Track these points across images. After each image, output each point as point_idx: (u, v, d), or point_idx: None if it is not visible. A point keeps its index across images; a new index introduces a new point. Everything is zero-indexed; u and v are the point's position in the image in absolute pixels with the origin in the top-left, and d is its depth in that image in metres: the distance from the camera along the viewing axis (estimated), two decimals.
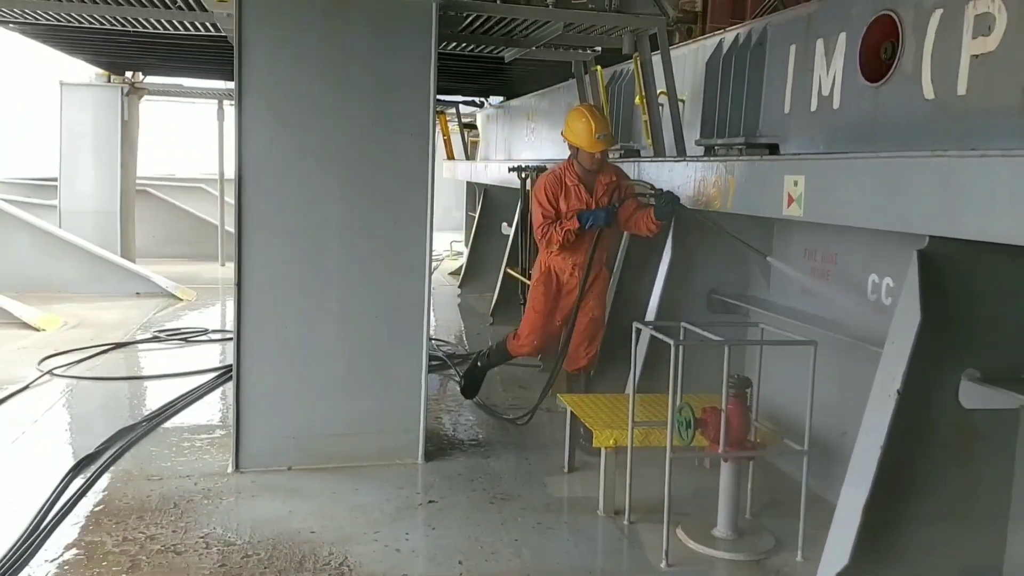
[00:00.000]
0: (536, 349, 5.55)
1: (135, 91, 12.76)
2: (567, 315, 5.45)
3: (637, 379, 4.77)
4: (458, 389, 6.43)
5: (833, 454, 4.22)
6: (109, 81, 12.52)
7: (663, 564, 3.78)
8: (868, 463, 3.19)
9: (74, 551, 3.77)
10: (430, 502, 4.47)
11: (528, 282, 7.91)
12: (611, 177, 5.26)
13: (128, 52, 9.46)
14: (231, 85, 4.64)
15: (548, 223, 5.11)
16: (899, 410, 3.15)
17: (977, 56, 3.50)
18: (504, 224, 10.67)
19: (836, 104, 4.39)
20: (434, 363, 7.22)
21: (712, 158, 4.89)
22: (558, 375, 5.48)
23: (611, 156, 6.93)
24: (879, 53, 4.10)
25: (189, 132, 21.42)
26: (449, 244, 16.48)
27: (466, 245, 13.41)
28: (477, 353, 5.99)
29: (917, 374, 3.16)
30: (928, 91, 3.73)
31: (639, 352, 5.03)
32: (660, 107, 6.04)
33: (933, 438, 3.26)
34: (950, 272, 3.19)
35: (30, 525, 3.96)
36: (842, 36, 4.36)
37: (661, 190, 5.00)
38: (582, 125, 5.07)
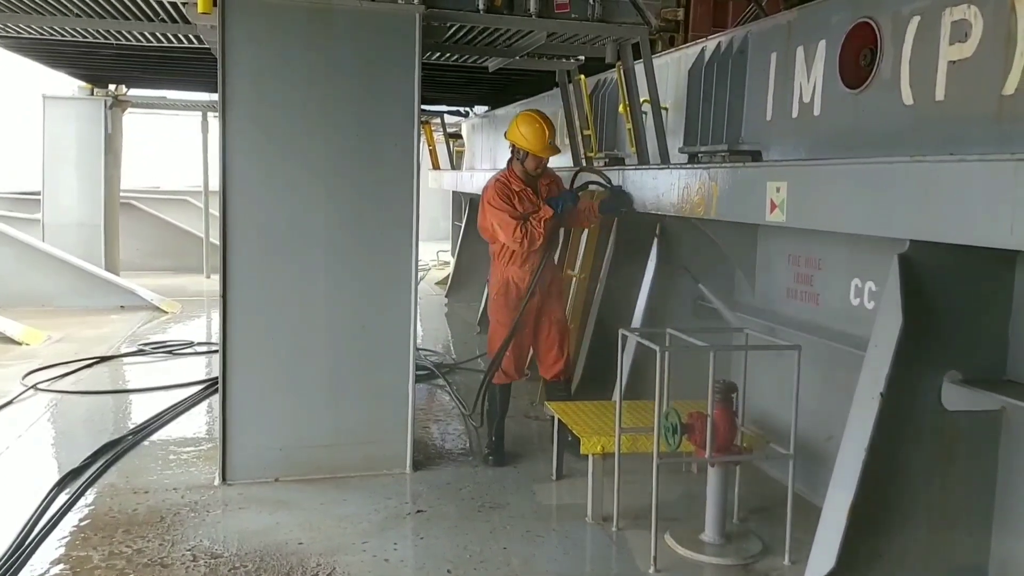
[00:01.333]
0: (516, 367, 5.33)
1: (119, 104, 12.73)
2: (534, 324, 5.34)
3: (624, 386, 4.79)
4: (447, 398, 6.42)
5: (819, 458, 4.25)
6: (92, 94, 12.49)
7: (651, 570, 3.79)
8: (853, 466, 3.22)
9: (60, 567, 3.74)
10: (418, 511, 4.47)
11: None
12: (549, 179, 5.35)
13: (111, 65, 9.45)
14: (215, 97, 4.63)
15: (521, 223, 5.10)
16: (883, 413, 3.18)
17: (954, 62, 3.54)
18: None
19: (817, 111, 4.43)
20: (422, 373, 7.21)
21: (695, 165, 4.91)
22: (495, 368, 5.27)
23: (597, 163, 6.99)
24: (858, 60, 4.14)
25: (174, 144, 21.35)
26: (436, 254, 16.49)
27: (452, 255, 13.42)
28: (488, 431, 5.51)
29: (900, 377, 3.19)
30: (907, 97, 3.77)
31: (625, 359, 5.06)
32: (644, 115, 6.08)
33: (917, 440, 3.29)
34: (931, 275, 3.23)
35: (15, 541, 3.93)
36: (822, 43, 4.41)
37: (615, 186, 5.04)
38: (534, 130, 5.09)
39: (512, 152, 5.28)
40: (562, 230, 5.66)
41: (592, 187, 5.43)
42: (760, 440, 4.29)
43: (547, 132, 5.09)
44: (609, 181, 5.28)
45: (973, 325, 3.33)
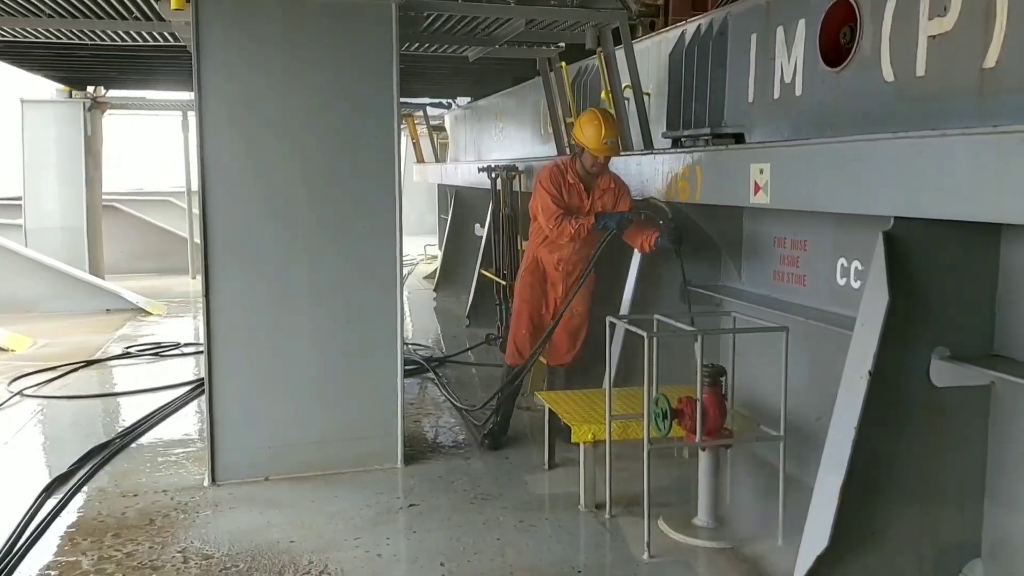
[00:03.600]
0: (533, 346, 5.42)
1: (97, 106, 12.61)
2: (554, 310, 5.43)
3: (613, 374, 4.77)
4: (438, 392, 6.39)
5: (809, 439, 4.24)
6: (71, 96, 12.36)
7: (645, 556, 3.78)
8: (843, 445, 3.20)
9: (50, 572, 3.70)
10: (411, 506, 4.44)
11: (502, 282, 7.92)
12: (610, 183, 5.26)
13: (88, 66, 9.36)
14: (194, 96, 4.58)
15: (562, 214, 5.11)
16: (871, 391, 3.17)
17: (934, 37, 3.53)
18: (477, 225, 10.66)
19: (798, 91, 4.42)
20: (412, 367, 7.19)
21: (679, 150, 4.90)
22: (523, 377, 5.36)
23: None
24: (838, 38, 4.12)
25: (155, 146, 21.19)
26: (423, 248, 16.44)
27: (439, 248, 13.38)
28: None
29: (888, 355, 3.18)
30: (888, 74, 3.76)
31: (614, 347, 5.04)
32: (626, 101, 6.05)
33: (906, 417, 3.28)
34: (916, 252, 3.22)
35: (3, 548, 3.88)
36: (801, 23, 4.39)
37: (671, 223, 4.94)
38: (592, 128, 5.06)
39: (576, 145, 5.27)
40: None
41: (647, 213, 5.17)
42: (750, 423, 4.28)
43: (604, 131, 5.02)
44: (668, 216, 5.07)
45: (960, 301, 3.32)
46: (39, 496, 4.48)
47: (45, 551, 3.92)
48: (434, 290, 12.11)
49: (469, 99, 12.47)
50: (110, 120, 13.75)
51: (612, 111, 6.05)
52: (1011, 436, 3.32)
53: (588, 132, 5.07)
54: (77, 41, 6.76)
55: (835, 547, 3.19)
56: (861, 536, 3.28)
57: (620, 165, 5.55)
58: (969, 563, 3.46)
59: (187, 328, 9.81)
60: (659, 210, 5.11)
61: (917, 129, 3.02)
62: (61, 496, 4.51)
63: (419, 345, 8.39)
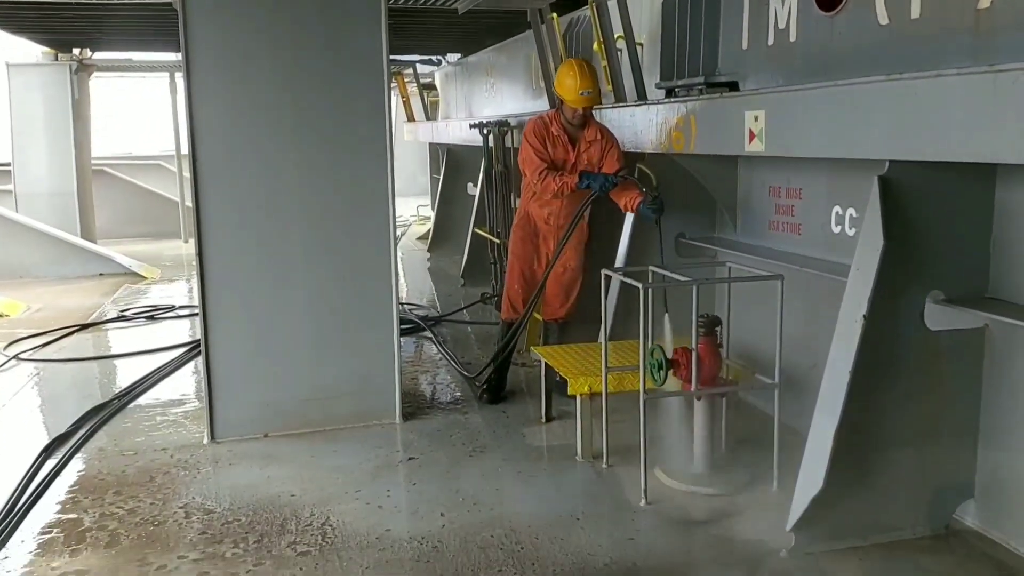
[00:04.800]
0: (525, 300, 5.46)
1: (84, 68, 12.46)
2: (546, 264, 5.42)
3: (609, 327, 4.78)
4: (434, 350, 6.40)
5: (804, 386, 4.26)
6: (56, 59, 12.20)
7: (642, 503, 3.82)
8: (838, 389, 3.23)
9: (52, 530, 3.73)
10: (410, 459, 4.48)
11: (497, 241, 7.90)
12: (596, 135, 5.22)
13: (72, 27, 9.22)
14: (181, 57, 4.51)
15: (546, 168, 5.11)
16: (866, 336, 3.18)
17: None
18: (470, 184, 10.59)
19: (792, 36, 4.36)
20: (408, 327, 7.20)
21: (673, 100, 4.86)
22: (520, 333, 5.35)
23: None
24: None
25: (143, 109, 20.98)
26: (416, 209, 16.36)
27: (432, 209, 13.32)
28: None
29: (882, 299, 3.19)
30: (882, 16, 3.71)
31: (610, 299, 5.05)
32: (619, 52, 5.99)
33: (901, 361, 3.30)
34: (911, 196, 3.21)
35: (4, 508, 3.91)
36: None
37: (655, 192, 4.91)
38: (569, 79, 5.05)
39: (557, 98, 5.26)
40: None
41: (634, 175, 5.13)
42: (745, 372, 4.30)
43: (580, 82, 5.00)
44: (653, 185, 5.05)
45: (954, 244, 3.32)
46: (39, 456, 4.50)
47: (47, 509, 3.95)
48: (428, 251, 12.08)
49: (459, 55, 12.33)
50: (97, 83, 13.59)
51: (605, 62, 5.99)
52: (1005, 378, 3.34)
53: (566, 84, 5.06)
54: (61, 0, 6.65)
55: (829, 490, 3.24)
56: (855, 479, 3.32)
57: (614, 117, 5.50)
58: (962, 504, 3.51)
59: (181, 291, 9.79)
60: (645, 177, 5.10)
61: (912, 71, 2.99)
62: (61, 456, 4.54)
63: (414, 305, 8.40)
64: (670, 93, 5.26)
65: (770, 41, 4.52)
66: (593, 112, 5.27)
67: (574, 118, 5.14)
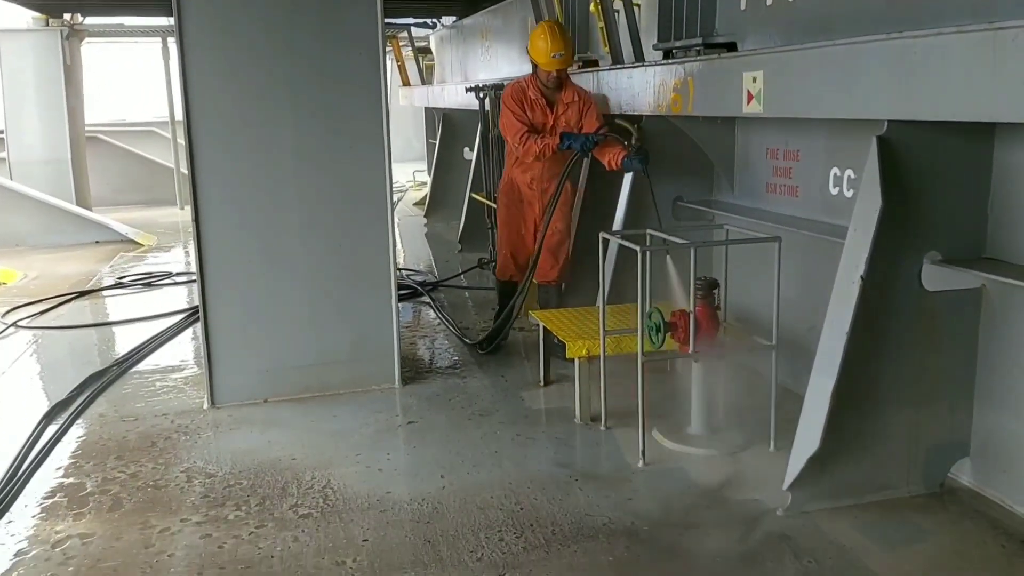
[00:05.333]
0: (517, 265, 5.53)
1: (75, 33, 12.30)
2: (535, 228, 5.46)
3: (607, 290, 4.79)
4: (432, 315, 6.41)
5: (801, 348, 4.27)
6: (47, 25, 12.04)
7: (640, 463, 3.86)
8: (835, 350, 3.24)
9: (55, 495, 3.76)
10: (409, 423, 4.51)
11: (493, 205, 7.87)
12: (573, 97, 5.26)
13: None
14: (173, 20, 4.46)
15: (527, 132, 5.14)
16: (863, 296, 3.19)
17: None
18: (466, 149, 10.54)
19: None
20: (406, 292, 7.21)
21: (671, 61, 4.82)
22: (524, 302, 5.40)
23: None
24: None
25: (135, 76, 20.76)
26: (412, 174, 16.28)
27: (429, 174, 13.27)
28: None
29: (880, 260, 3.20)
30: None
31: (607, 263, 5.05)
32: (616, 13, 5.93)
33: (898, 322, 3.31)
34: (909, 156, 3.20)
35: (6, 473, 3.93)
36: None
37: (638, 143, 4.96)
38: (541, 43, 5.10)
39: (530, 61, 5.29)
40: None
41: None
42: (743, 334, 4.32)
43: (551, 45, 5.04)
44: (638, 141, 5.08)
45: (952, 204, 3.32)
46: (39, 423, 4.52)
47: (49, 475, 3.97)
48: (425, 216, 12.05)
49: (454, 18, 12.19)
50: (88, 49, 13.43)
51: (602, 23, 5.94)
52: (1001, 337, 3.36)
53: (538, 47, 5.10)
54: None
55: (826, 449, 3.27)
56: (852, 438, 3.35)
57: (611, 79, 5.47)
58: (958, 462, 3.54)
59: (178, 258, 9.78)
60: (625, 132, 5.09)
61: (911, 29, 2.97)
62: (62, 422, 4.56)
63: (412, 271, 8.40)
64: (668, 55, 5.22)
65: (768, 1, 4.48)
66: (569, 74, 5.29)
67: (549, 81, 5.19)
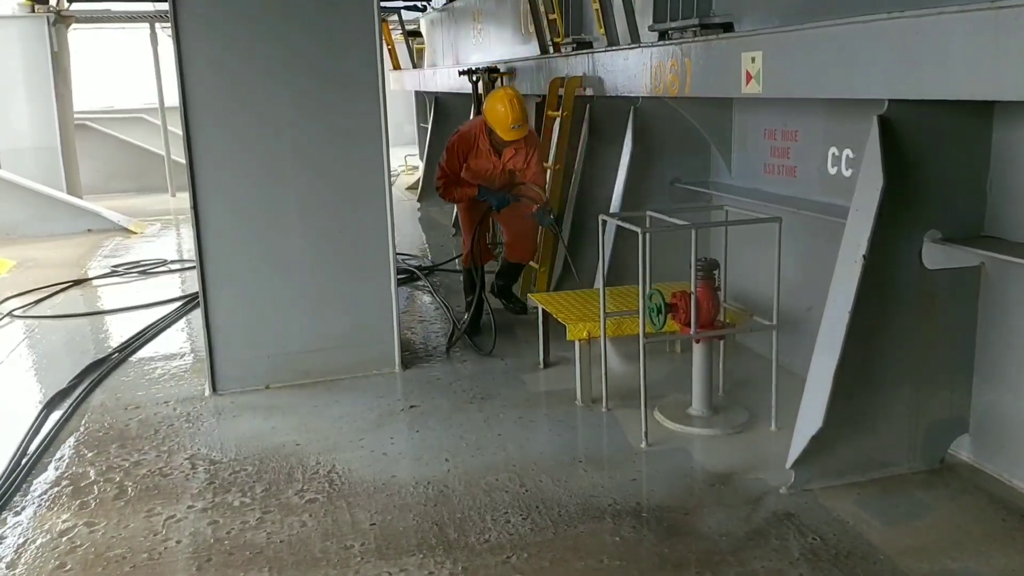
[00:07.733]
0: (478, 257, 5.70)
1: (62, 19, 12.17)
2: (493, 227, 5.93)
3: (606, 272, 4.80)
4: (429, 299, 6.41)
5: (801, 329, 4.31)
6: (33, 11, 11.90)
7: (643, 444, 3.88)
8: (837, 329, 3.27)
9: (59, 484, 3.76)
10: (412, 407, 4.52)
11: None
12: (520, 143, 5.44)
13: None
14: (161, 6, 4.42)
15: (447, 179, 5.49)
16: (865, 275, 3.21)
17: None
18: None
19: None
20: (402, 276, 7.21)
21: (667, 42, 4.81)
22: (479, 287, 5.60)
23: (564, 51, 6.81)
24: None
25: (123, 62, 20.56)
26: (404, 159, 16.21)
27: (421, 158, 13.21)
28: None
29: (881, 239, 3.21)
30: None
31: (606, 244, 5.06)
32: None
33: (899, 301, 3.34)
34: (910, 136, 3.21)
35: (10, 463, 3.93)
36: None
37: (546, 206, 5.52)
38: (500, 113, 5.26)
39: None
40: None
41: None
42: (743, 314, 4.34)
43: (511, 117, 5.23)
44: (544, 202, 5.54)
45: (952, 183, 3.34)
46: (41, 412, 4.52)
47: (52, 464, 3.97)
48: (418, 200, 12.02)
49: (445, 1, 12.11)
50: (76, 36, 13.30)
51: (597, 4, 5.90)
52: (1000, 314, 3.39)
53: (497, 117, 5.29)
54: None
55: (828, 428, 3.30)
56: (854, 416, 3.38)
57: (607, 61, 5.46)
58: (957, 439, 3.58)
59: (171, 245, 9.73)
60: (536, 197, 5.52)
61: (913, 8, 2.97)
62: (63, 411, 4.56)
63: (406, 255, 8.38)
64: (664, 36, 5.21)
65: None
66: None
67: (503, 146, 5.44)
